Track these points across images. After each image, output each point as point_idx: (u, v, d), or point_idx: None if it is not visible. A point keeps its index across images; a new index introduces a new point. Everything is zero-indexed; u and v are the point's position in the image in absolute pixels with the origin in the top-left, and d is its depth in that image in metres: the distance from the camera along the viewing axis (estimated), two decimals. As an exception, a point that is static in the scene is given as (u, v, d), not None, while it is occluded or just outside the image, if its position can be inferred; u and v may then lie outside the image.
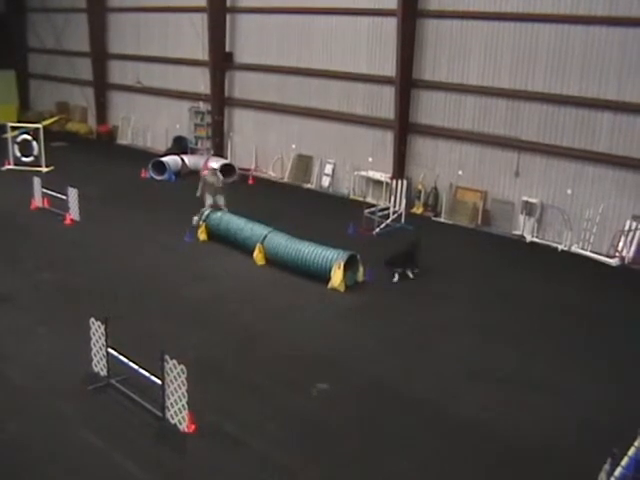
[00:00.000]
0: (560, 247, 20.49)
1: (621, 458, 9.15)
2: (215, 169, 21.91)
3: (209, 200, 20.06)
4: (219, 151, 29.37)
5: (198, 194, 20.61)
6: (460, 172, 22.94)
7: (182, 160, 27.69)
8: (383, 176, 24.22)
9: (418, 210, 23.61)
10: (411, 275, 17.06)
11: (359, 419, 10.99)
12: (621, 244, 19.73)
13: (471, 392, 11.95)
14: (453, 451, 10.26)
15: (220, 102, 29.20)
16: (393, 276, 16.87)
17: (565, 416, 11.32)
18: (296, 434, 10.48)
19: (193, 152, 29.27)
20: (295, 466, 9.68)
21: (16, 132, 27.46)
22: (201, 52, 28.76)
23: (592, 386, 12.34)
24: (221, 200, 20.09)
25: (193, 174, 26.66)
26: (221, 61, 28.53)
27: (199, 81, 29.43)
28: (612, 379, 12.65)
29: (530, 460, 10.11)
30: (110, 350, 11.14)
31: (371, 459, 9.94)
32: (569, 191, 20.69)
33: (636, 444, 9.63)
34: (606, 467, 8.25)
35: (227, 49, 28.53)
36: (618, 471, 8.97)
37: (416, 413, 11.22)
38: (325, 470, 9.66)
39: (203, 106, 29.56)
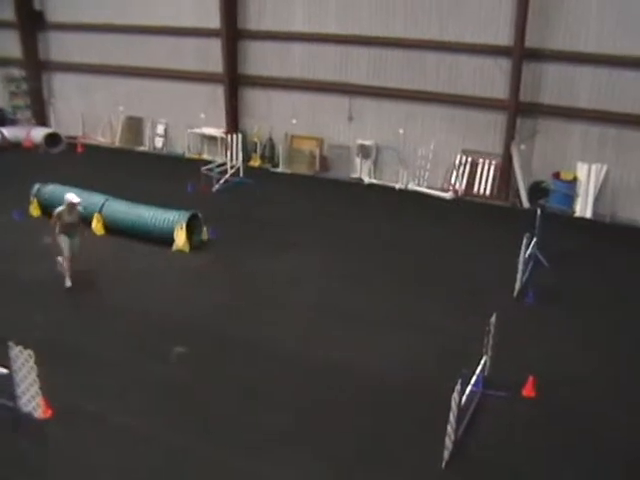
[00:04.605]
0: (397, 186, 21.14)
1: (470, 377, 9.70)
2: (74, 203, 13.85)
3: (65, 243, 13.88)
4: (41, 120, 27.53)
5: (48, 240, 14.70)
6: (294, 121, 22.91)
7: (1, 133, 25.71)
8: (217, 132, 23.75)
9: (256, 163, 23.43)
10: None
11: (220, 377, 10.86)
12: (453, 178, 20.71)
13: (322, 334, 12.22)
14: (312, 393, 10.44)
15: (35, 67, 27.15)
16: None
17: (418, 348, 11.77)
18: (157, 401, 10.19)
19: (13, 123, 27.24)
20: (158, 432, 9.45)
21: None
22: (7, 12, 26.50)
23: (440, 316, 12.91)
24: (76, 243, 14.10)
25: (15, 147, 24.89)
26: (30, 21, 26.41)
27: (8, 45, 27.15)
28: (462, 307, 13.23)
29: (390, 394, 10.43)
30: None
31: (239, 414, 9.89)
32: (401, 131, 21.27)
33: (482, 362, 10.25)
34: (458, 388, 8.67)
35: (36, 7, 26.46)
36: (468, 389, 9.53)
37: (275, 361, 11.31)
38: (192, 433, 9.48)
39: (17, 72, 27.46)
